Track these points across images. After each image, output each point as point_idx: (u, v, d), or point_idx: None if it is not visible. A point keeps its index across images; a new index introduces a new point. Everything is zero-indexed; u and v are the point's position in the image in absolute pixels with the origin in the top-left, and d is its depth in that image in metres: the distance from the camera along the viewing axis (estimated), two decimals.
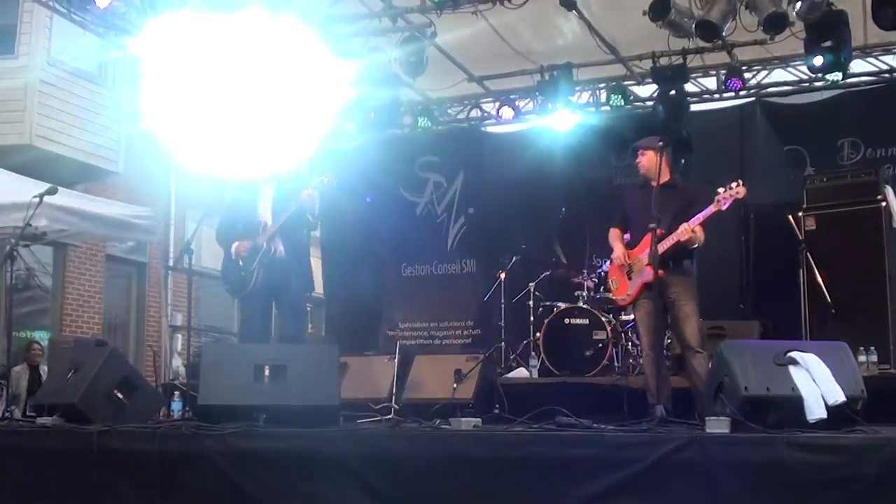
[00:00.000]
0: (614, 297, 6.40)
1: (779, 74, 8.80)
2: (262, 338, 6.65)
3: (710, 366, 5.19)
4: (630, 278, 6.01)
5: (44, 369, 9.78)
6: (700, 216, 5.68)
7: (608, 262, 8.14)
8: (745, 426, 3.98)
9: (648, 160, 5.90)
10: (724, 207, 5.65)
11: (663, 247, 5.71)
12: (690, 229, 5.65)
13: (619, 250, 6.11)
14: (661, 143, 5.79)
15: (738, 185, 5.61)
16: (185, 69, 5.46)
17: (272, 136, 5.49)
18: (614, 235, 6.20)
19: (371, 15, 7.54)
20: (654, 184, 5.66)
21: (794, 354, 4.24)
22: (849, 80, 8.22)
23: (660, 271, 5.70)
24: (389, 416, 6.23)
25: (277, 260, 6.45)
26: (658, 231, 5.67)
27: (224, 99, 5.44)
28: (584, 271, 8.29)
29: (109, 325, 13.27)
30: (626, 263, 6.03)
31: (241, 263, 6.49)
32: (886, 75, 8.48)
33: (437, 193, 10.38)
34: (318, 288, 10.95)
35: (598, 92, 9.31)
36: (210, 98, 5.46)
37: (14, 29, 11.32)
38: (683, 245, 5.72)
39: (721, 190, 5.64)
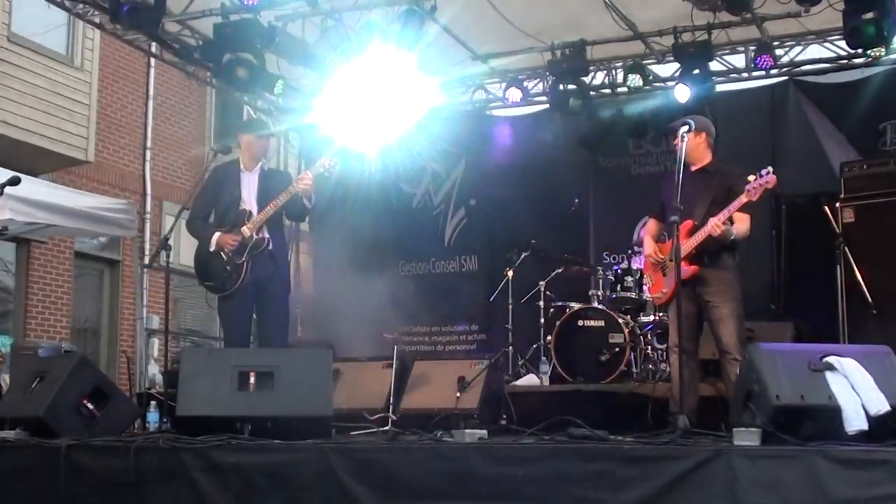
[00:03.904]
0: (650, 296, 6.40)
1: (814, 50, 8.78)
2: (246, 341, 6.66)
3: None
4: (664, 275, 6.00)
5: (5, 378, 9.78)
6: (730, 208, 5.67)
7: (625, 259, 8.21)
8: (776, 438, 3.98)
9: (687, 143, 5.86)
10: (754, 198, 5.63)
11: (696, 240, 5.72)
12: (720, 223, 5.64)
13: (648, 247, 6.12)
14: (690, 123, 5.74)
15: (767, 173, 5.57)
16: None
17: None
18: (648, 228, 6.19)
19: None
20: (692, 169, 5.64)
21: (831, 359, 4.24)
22: (892, 56, 8.21)
23: (693, 267, 5.70)
24: (386, 428, 6.25)
25: (266, 252, 6.48)
26: (691, 223, 5.67)
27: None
28: (599, 269, 8.29)
29: (78, 330, 13.29)
30: (659, 259, 6.02)
31: (224, 257, 6.48)
32: None
33: (434, 183, 10.38)
34: (309, 287, 10.97)
35: (614, 71, 9.30)
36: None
37: None
38: (717, 239, 5.72)
39: (751, 178, 5.61)
